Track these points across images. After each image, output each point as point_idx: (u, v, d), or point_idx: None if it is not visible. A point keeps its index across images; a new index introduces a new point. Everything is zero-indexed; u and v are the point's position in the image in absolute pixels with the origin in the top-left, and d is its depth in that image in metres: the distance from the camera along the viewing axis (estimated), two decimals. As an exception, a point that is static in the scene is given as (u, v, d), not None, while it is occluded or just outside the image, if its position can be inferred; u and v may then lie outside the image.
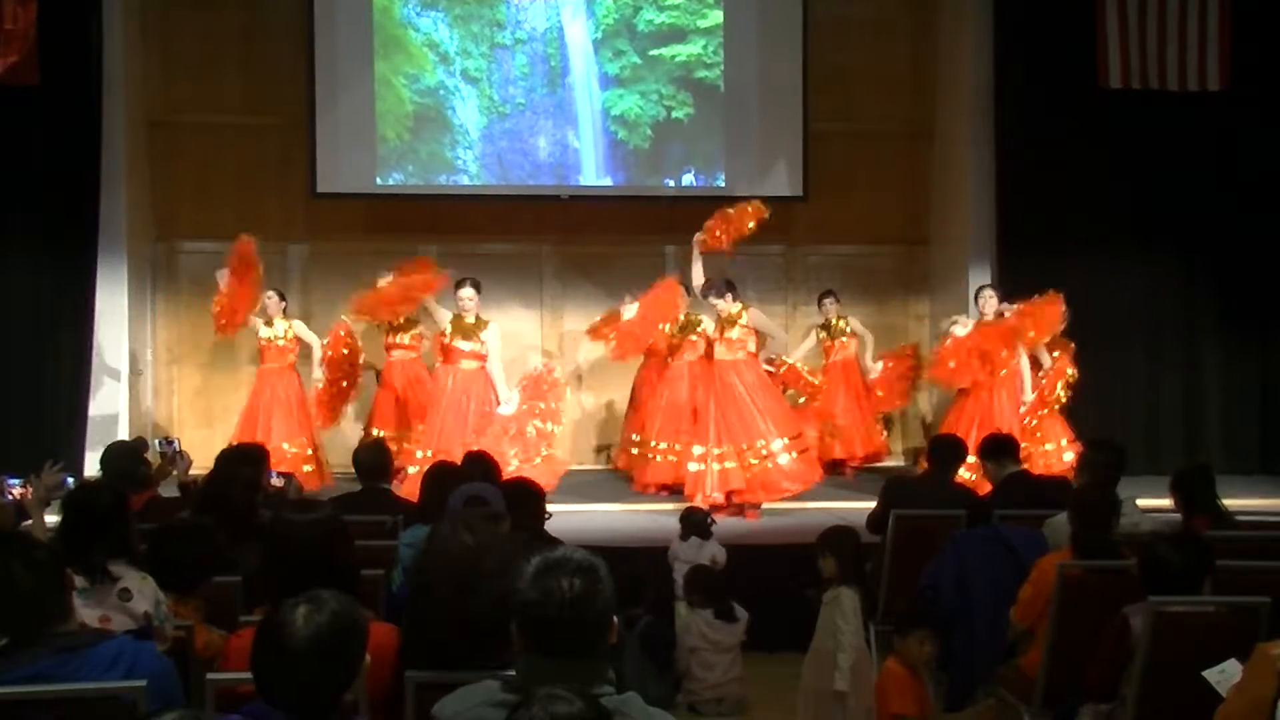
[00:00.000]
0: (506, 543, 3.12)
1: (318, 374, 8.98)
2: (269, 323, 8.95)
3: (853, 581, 5.01)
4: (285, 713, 2.37)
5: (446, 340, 8.28)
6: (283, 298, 9.10)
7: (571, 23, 10.16)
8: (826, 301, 9.86)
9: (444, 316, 8.39)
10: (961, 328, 8.66)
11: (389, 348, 9.10)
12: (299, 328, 9.10)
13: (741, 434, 7.83)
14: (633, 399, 9.48)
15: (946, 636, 5.00)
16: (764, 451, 7.81)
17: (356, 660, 2.45)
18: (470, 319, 8.28)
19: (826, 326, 9.84)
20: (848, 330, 9.80)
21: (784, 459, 7.84)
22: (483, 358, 8.28)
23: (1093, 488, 5.15)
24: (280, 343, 8.94)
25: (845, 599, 4.95)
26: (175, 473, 5.93)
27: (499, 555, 2.90)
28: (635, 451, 9.05)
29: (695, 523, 6.39)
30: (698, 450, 7.95)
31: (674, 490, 8.34)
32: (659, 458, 8.61)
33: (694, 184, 10.34)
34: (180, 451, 6.01)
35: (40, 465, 4.69)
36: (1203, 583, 3.99)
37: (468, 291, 8.26)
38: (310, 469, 8.67)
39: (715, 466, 7.79)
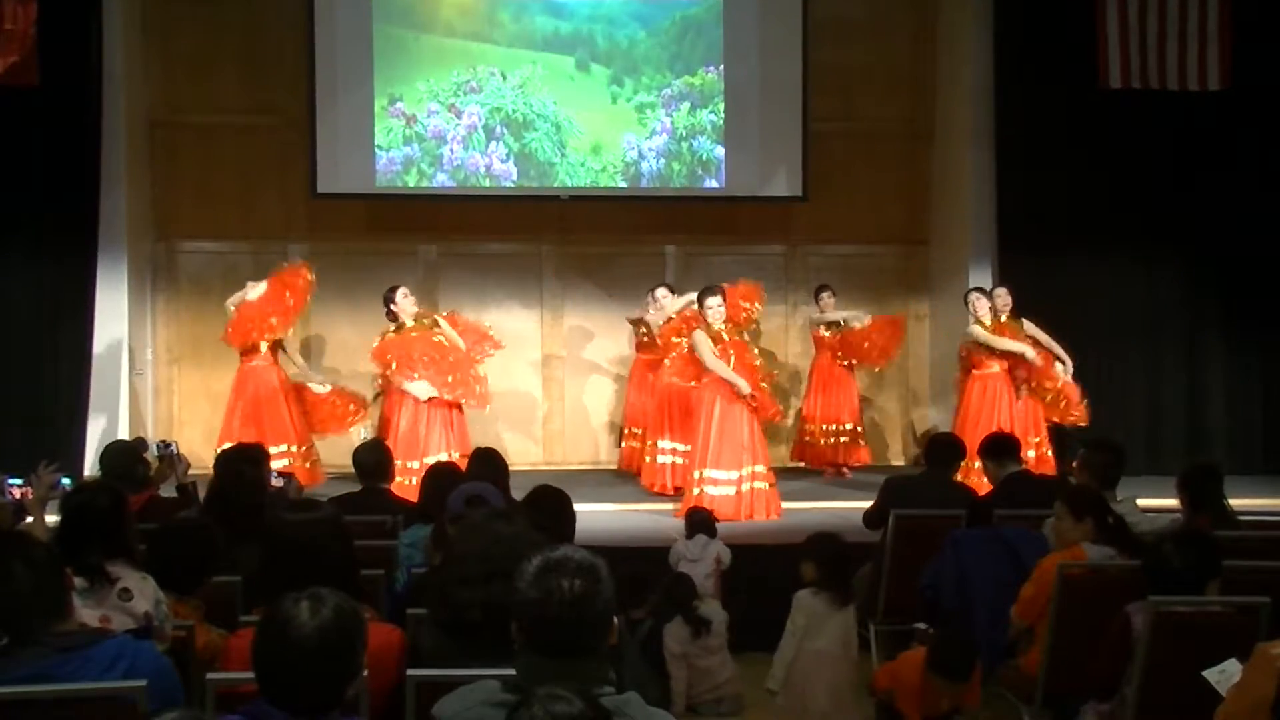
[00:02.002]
0: (539, 537, 3.11)
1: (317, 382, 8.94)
2: None
3: (830, 587, 4.99)
4: (287, 711, 2.37)
5: None
6: None
7: (572, 25, 10.16)
8: (824, 295, 9.79)
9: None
10: None
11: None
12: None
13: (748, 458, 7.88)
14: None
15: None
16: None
17: (359, 655, 2.45)
18: (410, 321, 8.33)
19: (827, 324, 9.75)
20: (843, 326, 9.75)
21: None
22: None
23: (1081, 487, 5.16)
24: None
25: (797, 603, 4.97)
26: (174, 475, 5.92)
27: (536, 547, 2.89)
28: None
29: (700, 521, 6.38)
30: (722, 474, 7.83)
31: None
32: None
33: (694, 184, 10.33)
34: (178, 454, 6.01)
35: (39, 465, 4.69)
36: (1209, 584, 3.98)
37: (404, 289, 8.43)
38: (307, 465, 8.60)
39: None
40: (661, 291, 9.14)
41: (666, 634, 5.63)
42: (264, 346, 8.65)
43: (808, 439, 9.78)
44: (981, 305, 8.55)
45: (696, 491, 7.76)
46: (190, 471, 5.95)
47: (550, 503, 4.27)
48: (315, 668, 2.38)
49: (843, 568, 5.11)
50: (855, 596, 5.31)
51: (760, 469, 7.89)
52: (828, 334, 9.74)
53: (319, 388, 8.87)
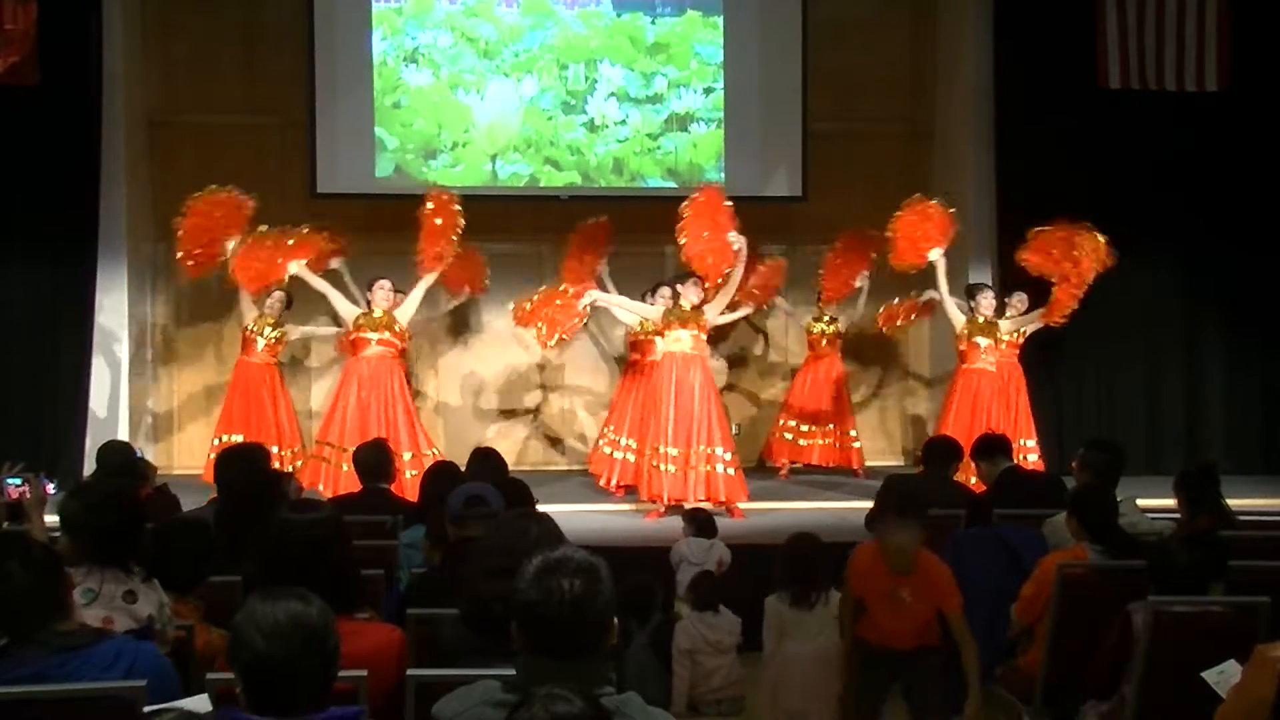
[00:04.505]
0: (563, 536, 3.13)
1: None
2: (276, 324, 8.76)
3: (785, 586, 5.01)
4: (256, 713, 2.37)
5: (353, 334, 8.32)
6: (289, 304, 8.96)
7: (571, 25, 10.16)
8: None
9: (350, 310, 8.39)
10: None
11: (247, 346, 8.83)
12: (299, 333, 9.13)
13: (698, 435, 7.84)
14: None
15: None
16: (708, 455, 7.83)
17: (324, 655, 2.43)
18: (379, 312, 8.32)
19: (820, 320, 9.79)
20: (835, 330, 9.74)
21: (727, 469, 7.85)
22: (394, 345, 8.36)
23: (1093, 487, 5.15)
24: (272, 340, 8.77)
25: (766, 608, 5.00)
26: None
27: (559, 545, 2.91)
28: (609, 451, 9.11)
29: (704, 523, 6.39)
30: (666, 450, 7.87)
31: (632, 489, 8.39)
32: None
33: (694, 184, 10.31)
34: (142, 457, 6.05)
35: (41, 466, 4.69)
36: (1212, 584, 3.98)
37: (385, 281, 8.42)
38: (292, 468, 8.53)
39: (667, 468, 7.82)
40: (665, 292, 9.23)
41: (678, 630, 5.65)
42: (261, 342, 8.67)
43: (783, 435, 9.71)
44: (987, 304, 8.68)
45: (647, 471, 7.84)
46: (184, 472, 5.98)
47: (517, 490, 4.39)
48: (275, 665, 2.37)
49: (801, 568, 5.04)
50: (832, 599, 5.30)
51: (720, 451, 7.86)
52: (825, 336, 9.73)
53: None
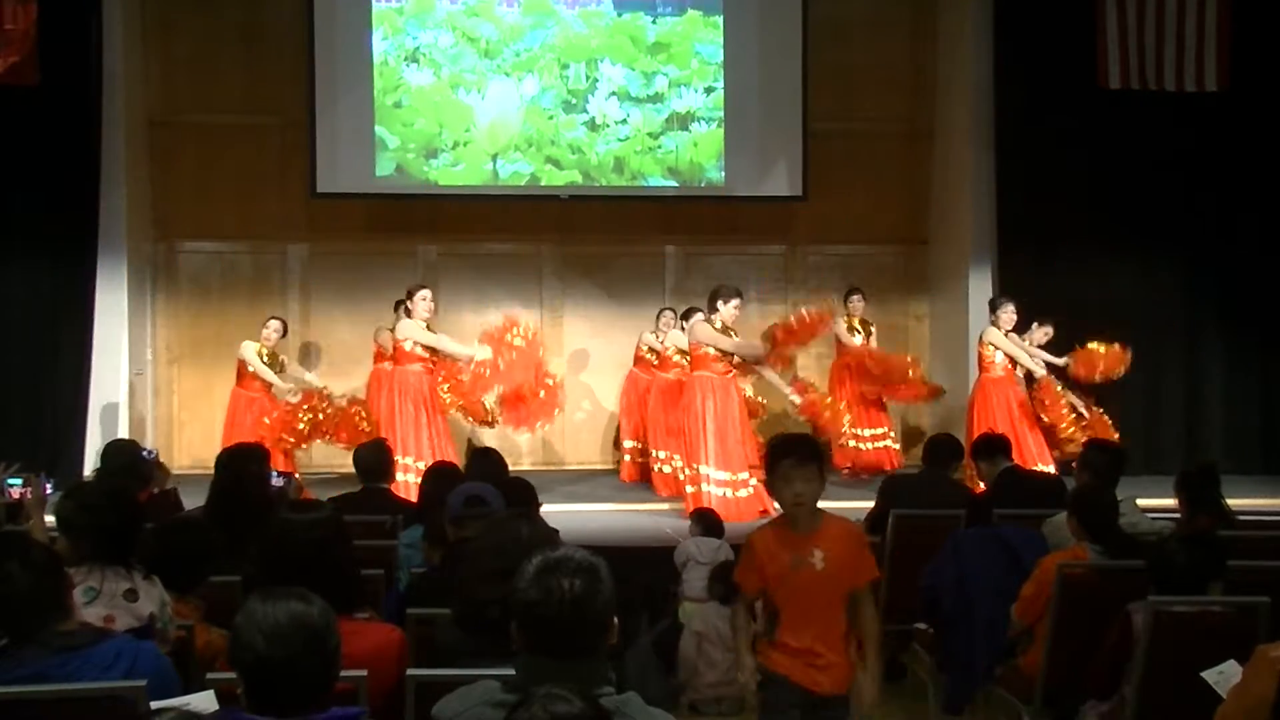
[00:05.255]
0: (556, 537, 3.12)
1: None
2: (273, 353, 8.80)
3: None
4: (258, 714, 2.36)
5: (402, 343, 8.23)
6: (284, 334, 8.99)
7: (572, 25, 10.16)
8: (854, 299, 9.77)
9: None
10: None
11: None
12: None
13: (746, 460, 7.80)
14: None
15: (947, 636, 5.00)
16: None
17: (322, 655, 2.42)
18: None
19: (850, 325, 9.73)
20: (869, 330, 9.75)
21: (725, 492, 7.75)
22: (425, 360, 8.28)
23: (1094, 487, 5.15)
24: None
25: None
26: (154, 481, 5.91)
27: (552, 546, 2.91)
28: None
29: (709, 522, 6.40)
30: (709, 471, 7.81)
31: None
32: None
33: (694, 184, 10.33)
34: (158, 460, 6.03)
35: (40, 465, 4.70)
36: (1211, 584, 3.99)
37: (426, 291, 8.32)
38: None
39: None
40: (666, 316, 9.35)
41: (694, 615, 5.66)
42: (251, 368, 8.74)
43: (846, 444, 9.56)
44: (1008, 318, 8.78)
45: (694, 489, 7.74)
46: (184, 472, 5.99)
47: (520, 490, 4.39)
48: (276, 666, 2.36)
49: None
50: None
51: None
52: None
53: (293, 397, 8.62)
